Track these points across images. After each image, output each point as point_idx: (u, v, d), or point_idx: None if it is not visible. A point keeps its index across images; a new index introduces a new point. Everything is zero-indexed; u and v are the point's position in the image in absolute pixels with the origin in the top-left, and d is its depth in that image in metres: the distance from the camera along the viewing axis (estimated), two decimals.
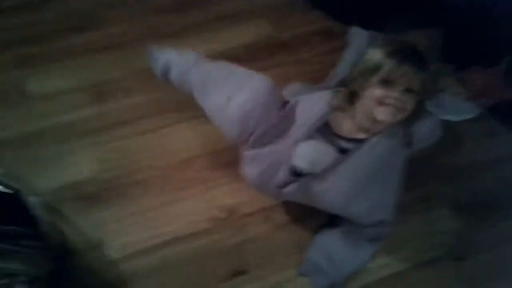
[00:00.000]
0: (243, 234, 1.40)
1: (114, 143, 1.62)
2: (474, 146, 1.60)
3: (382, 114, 1.14)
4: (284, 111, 1.25)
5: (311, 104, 1.25)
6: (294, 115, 1.25)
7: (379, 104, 1.13)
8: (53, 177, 1.52)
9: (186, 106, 1.70)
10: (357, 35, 1.77)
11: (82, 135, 1.64)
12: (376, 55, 1.14)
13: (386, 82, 1.11)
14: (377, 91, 1.12)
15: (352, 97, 1.18)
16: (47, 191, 1.48)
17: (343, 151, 1.21)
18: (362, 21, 1.96)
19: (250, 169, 1.31)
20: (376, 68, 1.12)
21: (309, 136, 1.21)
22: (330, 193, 1.23)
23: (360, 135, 1.20)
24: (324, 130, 1.21)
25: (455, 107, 1.62)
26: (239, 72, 1.35)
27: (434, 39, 1.91)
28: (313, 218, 1.41)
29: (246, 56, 1.90)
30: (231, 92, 1.26)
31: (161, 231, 1.40)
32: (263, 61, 1.88)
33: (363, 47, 1.57)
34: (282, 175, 1.25)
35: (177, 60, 1.43)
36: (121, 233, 1.39)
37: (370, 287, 1.29)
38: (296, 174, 1.24)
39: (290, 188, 1.25)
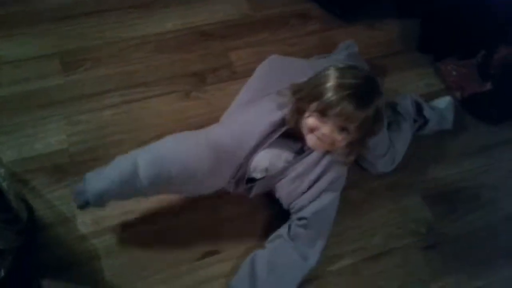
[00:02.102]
0: (218, 214, 1.38)
1: (83, 115, 1.56)
2: (446, 138, 1.63)
3: (311, 141, 1.16)
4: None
5: (256, 120, 1.26)
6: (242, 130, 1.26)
7: (309, 131, 1.14)
8: (20, 148, 1.46)
9: (159, 80, 1.68)
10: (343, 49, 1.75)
11: (50, 105, 1.57)
12: (327, 79, 1.10)
13: (321, 114, 1.10)
14: (310, 120, 1.13)
15: (298, 113, 1.18)
16: (13, 163, 1.42)
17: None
18: (341, 8, 1.97)
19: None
20: (319, 95, 1.09)
21: (260, 147, 1.23)
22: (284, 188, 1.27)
23: None
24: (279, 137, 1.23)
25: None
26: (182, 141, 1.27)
27: (411, 29, 1.94)
28: None
29: (224, 33, 1.86)
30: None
31: (133, 207, 1.36)
32: (241, 39, 1.85)
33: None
34: (241, 187, 1.30)
35: (110, 188, 1.18)
36: (92, 209, 1.34)
37: (341, 272, 1.31)
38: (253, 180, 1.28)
39: (252, 191, 1.31)
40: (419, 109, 1.56)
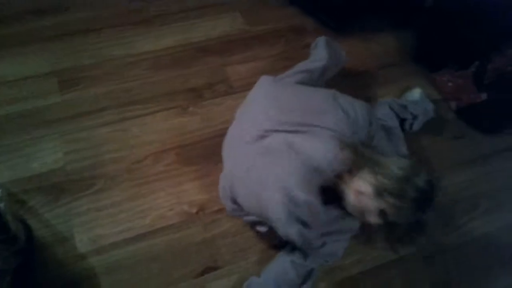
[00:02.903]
0: (214, 229, 1.38)
1: (80, 133, 1.56)
2: (442, 148, 1.63)
3: (350, 207, 1.17)
4: None
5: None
6: None
7: (356, 193, 1.14)
8: (17, 168, 1.46)
9: (155, 98, 1.69)
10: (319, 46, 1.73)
11: (47, 124, 1.58)
12: (396, 169, 1.11)
13: (378, 191, 1.10)
14: (363, 186, 1.13)
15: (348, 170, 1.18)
16: (10, 183, 1.42)
17: None
18: (336, 21, 1.98)
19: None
20: (386, 176, 1.10)
21: None
22: None
23: None
24: None
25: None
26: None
27: (406, 41, 1.95)
28: None
29: (220, 49, 1.88)
30: None
31: (130, 225, 1.37)
32: (237, 55, 1.86)
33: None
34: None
35: None
36: (90, 227, 1.35)
37: (343, 284, 1.31)
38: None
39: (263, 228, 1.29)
40: (404, 109, 1.60)
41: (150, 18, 1.96)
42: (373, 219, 1.13)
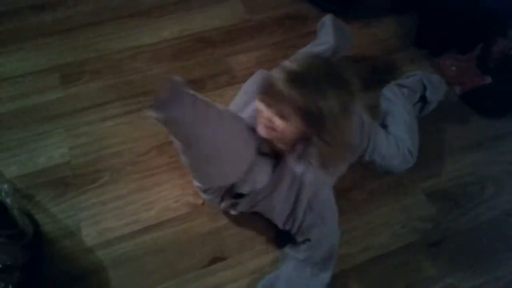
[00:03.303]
0: (221, 220, 1.38)
1: (84, 127, 1.57)
2: (447, 133, 1.62)
3: (259, 127, 1.10)
4: None
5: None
6: None
7: (259, 118, 1.09)
8: (22, 163, 1.47)
9: (158, 90, 1.68)
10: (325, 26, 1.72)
11: (51, 119, 1.58)
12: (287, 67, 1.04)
13: (266, 99, 1.05)
14: (259, 104, 1.07)
15: None
16: (16, 178, 1.43)
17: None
18: (336, 6, 1.96)
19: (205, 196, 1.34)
20: (272, 83, 1.03)
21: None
22: (272, 207, 1.25)
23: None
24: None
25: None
26: None
27: (407, 25, 1.93)
28: None
29: (221, 39, 1.87)
30: None
31: (136, 217, 1.37)
32: (239, 44, 1.85)
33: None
34: (227, 201, 1.28)
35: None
36: (96, 220, 1.36)
37: (350, 271, 1.31)
38: (238, 195, 1.25)
39: (238, 208, 1.28)
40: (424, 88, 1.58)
41: (149, 10, 1.95)
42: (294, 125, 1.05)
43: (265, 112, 1.06)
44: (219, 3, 2.00)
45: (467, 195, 1.48)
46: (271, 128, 1.07)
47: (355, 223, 1.40)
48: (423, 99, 1.58)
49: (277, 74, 1.03)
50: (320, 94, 1.00)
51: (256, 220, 1.37)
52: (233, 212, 1.31)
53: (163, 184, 1.44)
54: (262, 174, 1.18)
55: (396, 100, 1.55)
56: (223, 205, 1.31)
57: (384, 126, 1.52)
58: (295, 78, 1.00)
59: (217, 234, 1.36)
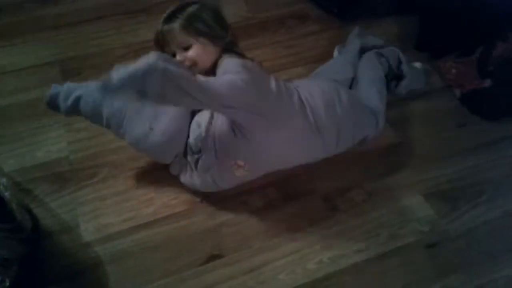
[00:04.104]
0: (219, 218, 1.38)
1: (83, 122, 1.52)
2: (447, 135, 1.63)
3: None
4: None
5: None
6: None
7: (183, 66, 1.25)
8: (21, 157, 1.47)
9: None
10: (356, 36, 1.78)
11: (50, 113, 1.55)
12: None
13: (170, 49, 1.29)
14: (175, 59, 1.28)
15: None
16: (15, 172, 1.43)
17: None
18: (338, 7, 1.97)
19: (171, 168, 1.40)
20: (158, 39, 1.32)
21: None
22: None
23: None
24: None
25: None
26: None
27: (408, 27, 1.94)
28: (288, 203, 1.42)
29: None
30: (150, 121, 1.27)
31: (135, 213, 1.38)
32: (241, 42, 1.83)
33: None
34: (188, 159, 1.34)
35: (86, 93, 1.29)
36: (95, 215, 1.36)
37: (347, 271, 1.31)
38: (196, 152, 1.30)
39: (201, 163, 1.30)
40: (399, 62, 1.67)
41: (151, 6, 1.96)
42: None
43: (178, 58, 1.27)
44: (221, 1, 2.00)
45: (465, 197, 1.48)
46: (193, 63, 1.27)
47: (353, 223, 1.40)
48: (397, 77, 1.66)
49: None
50: (175, 17, 1.29)
51: (254, 219, 1.38)
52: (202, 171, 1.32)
53: (162, 181, 1.44)
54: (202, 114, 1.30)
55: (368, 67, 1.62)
56: (198, 170, 1.32)
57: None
58: (163, 21, 1.30)
59: (216, 232, 1.36)
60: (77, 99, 1.28)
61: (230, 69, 1.20)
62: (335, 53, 1.80)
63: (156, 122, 1.27)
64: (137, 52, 1.78)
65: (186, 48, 1.27)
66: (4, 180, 1.19)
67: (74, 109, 1.30)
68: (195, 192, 1.41)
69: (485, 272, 1.33)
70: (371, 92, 1.53)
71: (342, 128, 1.37)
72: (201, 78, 1.12)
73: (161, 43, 1.30)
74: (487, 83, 1.63)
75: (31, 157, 1.47)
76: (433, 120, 1.64)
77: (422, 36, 1.87)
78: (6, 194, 1.14)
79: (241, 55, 1.32)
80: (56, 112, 1.33)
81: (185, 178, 1.37)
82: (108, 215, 1.37)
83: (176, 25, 1.26)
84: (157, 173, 1.45)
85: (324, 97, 1.35)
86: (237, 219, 1.38)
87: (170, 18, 1.28)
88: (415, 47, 1.88)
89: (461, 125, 1.65)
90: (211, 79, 1.17)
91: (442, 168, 1.54)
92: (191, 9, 1.29)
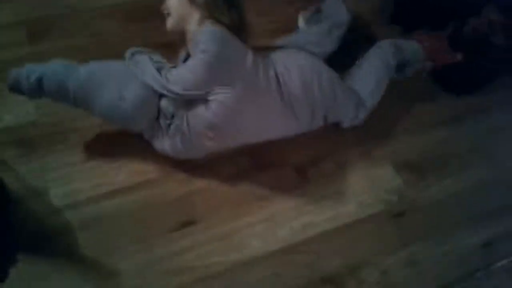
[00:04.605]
0: (191, 185, 1.39)
1: None
2: (417, 108, 1.66)
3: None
4: None
5: None
6: None
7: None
8: None
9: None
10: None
11: None
12: None
13: None
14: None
15: None
16: None
17: None
18: None
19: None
20: None
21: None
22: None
23: None
24: None
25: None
26: (117, 66, 1.32)
27: (381, 1, 1.93)
28: (260, 173, 1.43)
29: None
30: (119, 90, 1.25)
31: (106, 180, 1.36)
32: None
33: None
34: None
35: (49, 72, 1.26)
36: (64, 181, 1.34)
37: (316, 239, 1.34)
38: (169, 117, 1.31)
39: (174, 129, 1.31)
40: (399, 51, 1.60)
41: None
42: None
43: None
44: None
45: (432, 169, 1.52)
46: (167, 13, 1.37)
47: (323, 193, 1.42)
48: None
49: None
50: None
51: (227, 187, 1.39)
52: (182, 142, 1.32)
53: (133, 146, 1.42)
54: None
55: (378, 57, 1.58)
56: (169, 134, 1.32)
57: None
58: None
59: (187, 199, 1.36)
60: (40, 79, 1.24)
61: (200, 45, 1.24)
62: (300, 21, 1.76)
63: (127, 90, 1.25)
64: (108, 15, 1.73)
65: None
66: None
67: (38, 90, 1.25)
68: (167, 159, 1.39)
69: (449, 241, 1.39)
70: (369, 81, 1.52)
71: (316, 109, 1.39)
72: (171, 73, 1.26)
73: None
74: (459, 57, 1.65)
75: None
76: (402, 93, 1.66)
77: (396, 10, 1.87)
78: None
79: (233, 26, 1.31)
80: (20, 94, 1.28)
81: (157, 143, 1.36)
82: (77, 181, 1.34)
83: None
84: (128, 139, 1.43)
85: (302, 77, 1.35)
86: (209, 187, 1.39)
87: None
88: (389, 20, 1.88)
89: (431, 99, 1.68)
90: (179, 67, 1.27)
91: (412, 140, 1.58)
92: None
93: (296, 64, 1.37)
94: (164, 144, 1.34)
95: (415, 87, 1.70)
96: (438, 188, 1.49)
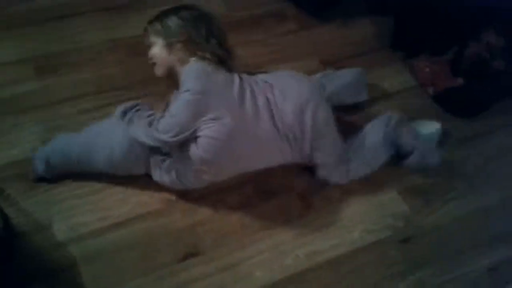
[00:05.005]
0: (195, 216, 1.38)
1: (59, 120, 1.55)
2: None
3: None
4: None
5: None
6: None
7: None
8: None
9: (135, 83, 1.67)
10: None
11: (25, 111, 1.56)
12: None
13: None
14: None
15: None
16: None
17: None
18: (314, 5, 1.98)
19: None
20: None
21: None
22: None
23: None
24: None
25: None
26: (106, 123, 1.41)
27: (384, 27, 1.96)
28: (264, 201, 1.43)
29: None
30: (108, 143, 1.32)
31: (110, 212, 1.36)
32: None
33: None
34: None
35: (52, 151, 1.37)
36: (69, 215, 1.34)
37: (321, 266, 1.33)
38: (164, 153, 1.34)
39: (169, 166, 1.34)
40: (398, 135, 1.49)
41: (128, 3, 1.94)
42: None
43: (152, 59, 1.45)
44: (198, 1, 1.99)
45: (438, 193, 1.51)
46: (153, 63, 1.45)
47: (328, 220, 1.42)
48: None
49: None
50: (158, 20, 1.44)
51: (231, 217, 1.39)
52: (176, 180, 1.34)
53: (137, 180, 1.42)
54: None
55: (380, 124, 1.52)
56: (163, 169, 1.34)
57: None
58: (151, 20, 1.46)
59: (192, 230, 1.36)
60: (47, 160, 1.36)
61: (183, 84, 1.28)
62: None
63: (114, 141, 1.31)
64: (113, 49, 1.77)
65: (150, 46, 1.45)
66: None
67: (51, 169, 1.37)
68: (170, 190, 1.40)
69: (457, 266, 1.37)
70: (377, 147, 1.47)
71: (305, 141, 1.35)
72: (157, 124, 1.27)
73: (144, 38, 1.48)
74: (460, 82, 1.66)
75: (5, 155, 1.44)
76: (407, 117, 1.66)
77: (397, 36, 1.89)
78: None
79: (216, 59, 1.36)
80: (45, 180, 1.40)
81: (155, 175, 1.37)
82: (82, 214, 1.35)
83: (149, 24, 1.46)
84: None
85: (297, 100, 1.32)
86: (213, 217, 1.38)
87: (156, 16, 1.46)
88: (390, 46, 1.90)
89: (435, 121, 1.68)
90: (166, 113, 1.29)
91: None
92: (169, 11, 1.45)
93: (295, 85, 1.37)
94: (162, 177, 1.35)
95: (417, 111, 1.69)
96: (443, 213, 1.47)
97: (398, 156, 1.52)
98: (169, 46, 1.39)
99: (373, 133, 1.49)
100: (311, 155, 1.38)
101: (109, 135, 1.33)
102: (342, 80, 1.62)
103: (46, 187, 1.39)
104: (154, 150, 1.32)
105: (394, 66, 1.85)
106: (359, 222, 1.42)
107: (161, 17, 1.44)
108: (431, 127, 1.57)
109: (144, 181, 1.42)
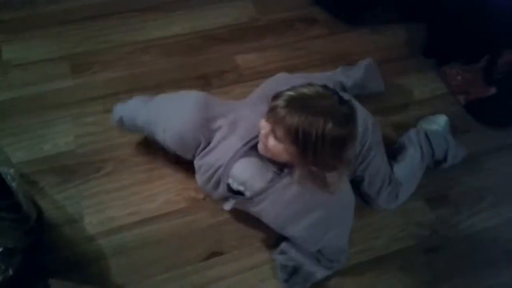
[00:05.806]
0: (221, 216, 1.40)
1: (91, 117, 1.59)
2: None
3: (259, 146, 1.15)
4: (229, 119, 1.26)
5: (251, 120, 1.20)
6: (236, 125, 1.24)
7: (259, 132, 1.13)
8: (29, 149, 1.49)
9: (166, 83, 1.70)
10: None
11: (58, 107, 1.61)
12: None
13: (269, 118, 1.06)
14: (261, 121, 1.09)
15: None
16: (22, 164, 1.45)
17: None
18: (346, 11, 1.98)
19: (198, 177, 1.32)
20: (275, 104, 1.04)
21: (246, 153, 1.20)
22: (265, 215, 1.25)
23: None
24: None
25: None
26: (170, 101, 1.38)
27: (416, 33, 1.94)
28: None
29: (230, 37, 1.89)
30: (164, 125, 1.31)
31: (138, 208, 1.39)
32: (248, 43, 1.87)
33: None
34: (221, 189, 1.26)
35: (125, 109, 1.43)
36: (99, 209, 1.38)
37: (345, 272, 1.32)
38: (233, 190, 1.25)
39: (227, 204, 1.29)
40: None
41: (161, 5, 1.97)
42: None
43: (264, 129, 1.08)
44: (230, 2, 2.02)
45: (466, 203, 1.49)
46: (266, 146, 1.11)
47: (355, 226, 1.39)
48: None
49: (282, 97, 1.04)
50: (314, 124, 0.99)
51: (254, 218, 1.39)
52: (225, 207, 1.30)
53: (166, 178, 1.46)
54: (259, 176, 1.19)
55: (415, 143, 1.50)
56: (217, 195, 1.30)
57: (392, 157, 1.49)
58: (293, 104, 1.01)
59: (217, 229, 1.38)
60: (121, 119, 1.41)
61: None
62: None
63: (168, 124, 1.30)
64: (145, 49, 1.81)
65: (276, 138, 1.07)
66: (12, 171, 1.21)
67: (123, 125, 1.43)
68: (198, 190, 1.42)
69: (483, 278, 1.34)
70: (402, 179, 1.44)
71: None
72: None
73: (271, 111, 1.06)
74: (492, 91, 1.63)
75: (39, 149, 1.49)
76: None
77: (430, 43, 1.88)
78: (13, 185, 1.16)
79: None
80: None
81: (198, 177, 1.33)
82: (112, 209, 1.38)
83: (294, 120, 1.00)
84: (161, 170, 1.47)
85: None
86: (239, 218, 1.39)
87: (294, 106, 1.02)
88: (422, 53, 1.88)
89: (465, 131, 1.66)
90: None
91: (445, 173, 1.55)
92: (331, 130, 1.00)
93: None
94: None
95: (450, 116, 1.65)
96: (471, 223, 1.45)
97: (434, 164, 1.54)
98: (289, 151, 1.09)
99: (411, 155, 1.47)
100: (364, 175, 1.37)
101: (170, 114, 1.31)
102: (357, 73, 1.64)
103: (78, 181, 1.43)
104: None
105: (425, 73, 1.83)
106: (384, 229, 1.41)
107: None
108: (441, 120, 1.60)
109: (172, 179, 1.46)
